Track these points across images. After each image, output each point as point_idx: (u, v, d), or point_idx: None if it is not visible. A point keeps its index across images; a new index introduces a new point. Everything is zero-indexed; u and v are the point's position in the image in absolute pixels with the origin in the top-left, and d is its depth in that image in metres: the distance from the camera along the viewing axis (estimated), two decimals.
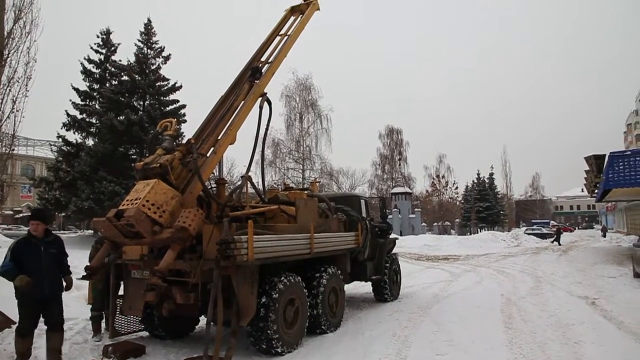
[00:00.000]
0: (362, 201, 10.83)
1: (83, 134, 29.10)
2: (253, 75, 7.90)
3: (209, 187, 6.72)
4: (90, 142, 28.93)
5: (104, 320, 7.26)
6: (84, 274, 5.98)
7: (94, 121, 29.21)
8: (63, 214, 30.86)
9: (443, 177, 66.41)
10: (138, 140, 26.18)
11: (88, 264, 6.09)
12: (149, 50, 29.53)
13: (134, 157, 27.07)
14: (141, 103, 28.54)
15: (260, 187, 8.51)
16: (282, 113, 45.00)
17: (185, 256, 6.09)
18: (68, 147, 28.50)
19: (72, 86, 29.57)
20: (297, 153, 46.21)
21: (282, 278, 6.56)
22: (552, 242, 34.01)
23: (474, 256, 25.01)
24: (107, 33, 31.15)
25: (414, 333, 7.43)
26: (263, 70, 8.04)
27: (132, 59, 29.23)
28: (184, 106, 29.78)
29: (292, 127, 46.52)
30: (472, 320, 8.35)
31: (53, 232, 6.02)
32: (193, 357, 5.72)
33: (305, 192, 9.51)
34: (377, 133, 63.21)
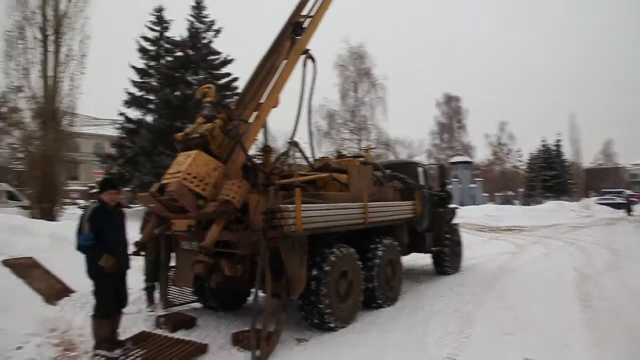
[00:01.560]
0: (420, 169, 10.17)
1: (143, 111, 29.92)
2: (294, 32, 7.37)
3: (254, 155, 6.37)
4: (149, 118, 29.74)
5: (157, 290, 7.24)
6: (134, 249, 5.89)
7: (151, 97, 29.90)
8: (128, 189, 32.30)
9: (505, 145, 63.12)
10: (193, 114, 26.50)
11: (137, 239, 5.99)
12: (200, 25, 29.58)
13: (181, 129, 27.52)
14: (195, 77, 28.77)
15: (309, 154, 8.08)
16: (336, 83, 44.25)
17: (231, 227, 5.82)
18: (129, 124, 29.46)
19: (130, 65, 30.32)
20: (353, 123, 45.46)
21: (334, 249, 6.17)
22: (628, 212, 31.48)
23: (541, 227, 23.52)
24: (160, 10, 31.48)
25: (478, 309, 6.83)
26: (304, 25, 7.48)
27: (185, 34, 29.45)
28: (236, 79, 29.73)
29: (347, 97, 45.66)
30: (543, 296, 7.60)
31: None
32: (241, 331, 5.49)
33: (359, 159, 8.99)
34: (434, 101, 60.75)
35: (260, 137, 7.53)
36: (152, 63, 31.14)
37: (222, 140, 5.92)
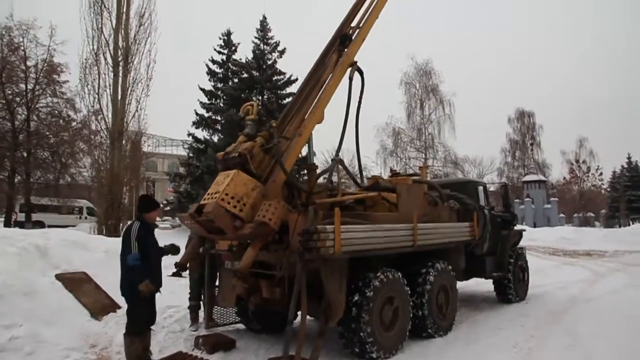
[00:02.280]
0: (480, 187, 9.52)
1: (210, 131, 31.15)
2: (342, 44, 7.18)
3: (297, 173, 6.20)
4: (215, 138, 30.87)
5: (201, 310, 7.20)
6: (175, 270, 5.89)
7: (218, 118, 31.08)
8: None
9: (584, 162, 58.71)
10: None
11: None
12: (265, 46, 30.45)
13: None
14: (259, 98, 29.56)
15: (358, 171, 7.79)
16: (402, 101, 43.78)
17: (270, 248, 5.66)
18: (197, 144, 30.73)
19: (199, 87, 31.77)
20: (419, 142, 44.57)
21: (379, 274, 5.78)
22: None
23: (625, 252, 21.30)
24: (228, 34, 32.82)
25: (541, 346, 6.11)
26: (353, 37, 7.25)
27: (250, 55, 30.45)
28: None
29: (413, 114, 44.89)
30: (622, 335, 6.66)
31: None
32: (277, 357, 5.23)
33: (413, 177, 8.54)
34: (506, 117, 58.00)
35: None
36: (220, 85, 32.47)
37: (262, 159, 5.80)
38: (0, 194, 22.34)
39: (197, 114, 30.82)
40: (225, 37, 32.80)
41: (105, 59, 12.99)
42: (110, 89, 13.29)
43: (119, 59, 13.19)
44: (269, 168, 5.82)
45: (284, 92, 30.11)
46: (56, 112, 21.77)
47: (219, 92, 31.98)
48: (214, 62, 32.39)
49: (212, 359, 5.63)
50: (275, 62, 30.20)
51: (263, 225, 5.17)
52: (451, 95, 43.51)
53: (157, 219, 5.51)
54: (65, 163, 21.22)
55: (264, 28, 30.42)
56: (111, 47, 13.31)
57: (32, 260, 6.81)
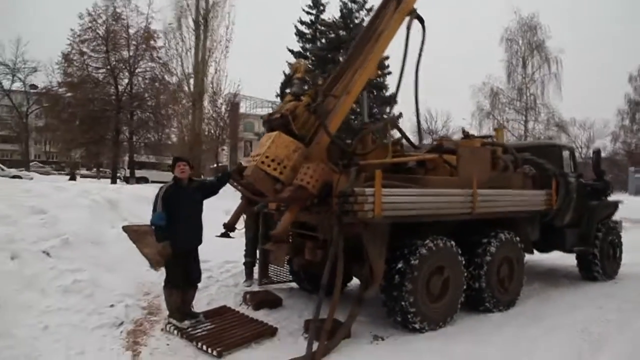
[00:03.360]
0: (566, 152, 8.45)
1: None
2: None
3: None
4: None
5: (257, 266, 7.36)
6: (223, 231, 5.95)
7: (306, 79, 31.14)
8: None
9: None
10: None
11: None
12: (352, 4, 29.57)
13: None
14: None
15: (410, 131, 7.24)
16: (502, 59, 40.25)
17: (312, 209, 5.51)
18: None
19: (287, 48, 31.95)
20: (519, 102, 41.10)
21: (427, 241, 5.40)
22: None
23: None
24: None
25: (617, 332, 5.37)
26: None
27: (338, 14, 29.83)
28: (387, 57, 29.13)
29: (514, 73, 41.12)
30: None
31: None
32: (314, 319, 5.14)
33: (486, 139, 7.78)
34: (626, 75, 50.96)
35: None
36: (308, 46, 32.35)
37: (306, 119, 5.55)
38: (107, 153, 24.68)
39: (285, 75, 31.21)
40: None
41: (187, 22, 13.43)
42: (192, 51, 13.75)
43: (200, 22, 13.52)
44: (314, 128, 5.56)
45: None
46: (154, 75, 23.31)
47: (307, 53, 31.95)
48: (302, 22, 32.22)
49: (256, 315, 5.70)
50: (362, 20, 29.25)
51: (301, 189, 5.02)
52: (558, 52, 39.05)
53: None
54: (163, 123, 22.76)
55: None
56: (193, 11, 13.66)
57: (102, 213, 7.43)
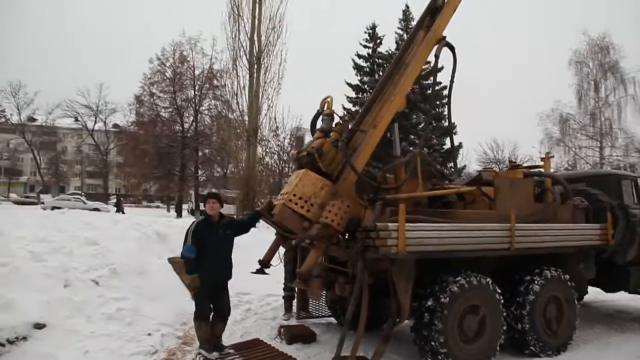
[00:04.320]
0: (627, 182, 7.83)
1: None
2: (432, 18, 6.46)
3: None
4: None
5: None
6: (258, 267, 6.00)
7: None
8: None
9: None
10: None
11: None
12: (407, 36, 29.82)
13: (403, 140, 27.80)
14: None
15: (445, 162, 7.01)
16: (571, 84, 38.36)
17: (342, 244, 5.50)
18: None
19: (345, 82, 32.57)
20: (593, 128, 38.72)
21: (459, 278, 5.19)
22: None
23: None
24: (373, 27, 32.91)
25: None
26: (442, 9, 6.37)
27: (394, 47, 30.10)
28: (445, 87, 28.84)
29: (586, 97, 38.98)
30: None
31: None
32: (343, 356, 5.04)
33: (530, 170, 7.43)
34: None
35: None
36: (366, 79, 32.80)
37: (333, 156, 5.55)
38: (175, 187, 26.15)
39: (344, 108, 31.67)
40: (371, 31, 32.95)
41: (242, 61, 14.24)
42: (246, 89, 14.48)
43: (254, 61, 14.27)
44: (341, 165, 5.55)
45: (428, 81, 29.09)
46: (217, 112, 24.68)
47: (365, 86, 32.35)
48: (359, 56, 32.83)
49: (288, 349, 5.70)
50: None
51: (326, 227, 5.02)
52: (636, 71, 36.53)
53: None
54: (225, 158, 23.84)
55: (406, 18, 29.79)
56: (247, 51, 14.44)
57: (151, 245, 7.86)
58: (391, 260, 4.90)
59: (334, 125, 5.92)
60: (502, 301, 5.52)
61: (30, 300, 5.41)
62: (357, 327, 4.94)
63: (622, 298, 8.68)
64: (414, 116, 27.61)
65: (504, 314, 5.54)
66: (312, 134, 6.23)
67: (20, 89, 42.22)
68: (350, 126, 5.84)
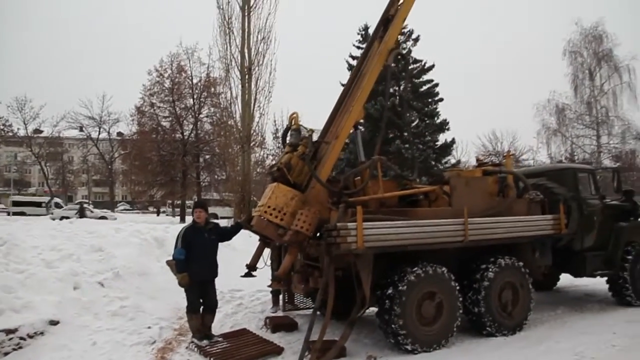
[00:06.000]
0: (583, 175, 8.49)
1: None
2: (385, 29, 6.97)
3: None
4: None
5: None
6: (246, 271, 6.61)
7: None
8: None
9: None
10: (391, 125, 27.40)
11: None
12: (399, 36, 30.35)
13: (391, 141, 28.48)
14: (395, 88, 29.64)
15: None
16: (566, 73, 38.70)
17: (313, 243, 6.22)
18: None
19: (340, 83, 33.24)
20: (589, 117, 39.07)
21: (416, 268, 5.91)
22: None
23: None
24: (366, 29, 33.41)
25: (612, 358, 5.48)
26: (393, 19, 6.89)
27: None
28: (437, 85, 29.50)
29: (581, 87, 39.31)
30: None
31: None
32: (313, 340, 5.76)
33: (490, 167, 8.09)
34: None
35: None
36: None
37: (301, 169, 6.26)
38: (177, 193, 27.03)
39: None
40: (363, 32, 33.54)
41: (234, 72, 15.04)
42: (239, 98, 15.29)
43: (245, 72, 15.05)
44: (309, 175, 6.22)
45: (420, 80, 29.71)
46: (215, 120, 25.50)
47: None
48: (353, 57, 33.50)
49: (272, 337, 6.45)
50: (409, 51, 29.92)
51: (297, 234, 5.76)
52: (630, 59, 36.83)
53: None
54: (224, 164, 24.66)
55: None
56: (238, 63, 15.24)
57: (150, 249, 8.68)
58: (355, 255, 5.63)
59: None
60: (458, 288, 6.23)
61: (45, 301, 6.22)
62: (335, 314, 5.68)
63: (595, 282, 9.27)
64: (407, 114, 28.23)
65: (460, 299, 6.24)
66: (283, 147, 6.94)
67: (26, 104, 43.47)
68: (315, 139, 6.55)
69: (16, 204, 39.76)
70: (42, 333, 5.76)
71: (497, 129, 56.19)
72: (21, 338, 5.52)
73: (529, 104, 37.80)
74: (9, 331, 5.48)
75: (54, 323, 5.98)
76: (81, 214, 26.30)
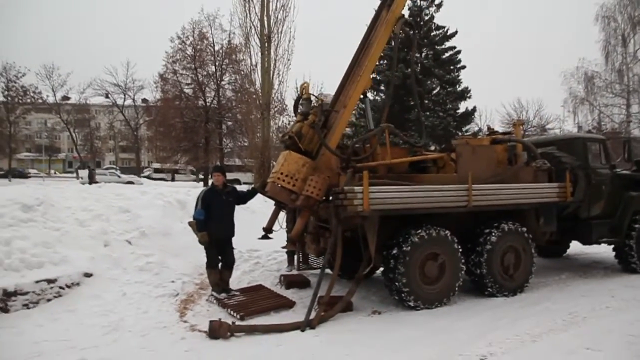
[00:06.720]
0: (592, 144, 8.58)
1: (373, 92, 32.21)
2: None
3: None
4: (379, 98, 31.85)
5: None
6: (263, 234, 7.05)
7: (379, 79, 31.86)
8: None
9: None
10: (410, 93, 27.22)
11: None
12: (422, 2, 29.69)
13: (411, 109, 28.38)
14: (417, 56, 29.23)
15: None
16: (598, 40, 37.28)
17: (324, 205, 6.61)
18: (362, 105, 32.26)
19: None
20: (620, 85, 37.82)
21: (419, 231, 6.26)
22: None
23: None
24: None
25: (600, 317, 5.79)
26: None
27: (407, 13, 30.11)
28: (459, 52, 28.98)
29: (613, 54, 37.84)
30: None
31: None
32: (321, 295, 6.21)
33: (499, 136, 8.22)
34: None
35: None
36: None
37: (312, 136, 6.56)
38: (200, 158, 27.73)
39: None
40: None
41: (253, 40, 15.24)
42: (258, 66, 15.53)
43: (265, 39, 15.22)
44: (319, 143, 6.52)
45: (442, 47, 29.21)
46: (237, 87, 25.80)
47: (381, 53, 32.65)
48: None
49: (285, 293, 6.95)
50: (432, 17, 29.30)
51: (308, 199, 6.15)
52: None
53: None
54: (245, 130, 25.11)
55: None
56: (258, 30, 15.40)
57: (173, 211, 9.24)
58: (362, 217, 6.00)
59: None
60: (461, 250, 6.57)
61: (80, 256, 6.84)
62: (345, 273, 6.04)
63: (604, 250, 9.43)
64: (428, 82, 27.95)
65: (463, 261, 6.59)
66: (295, 116, 7.26)
67: (54, 71, 44.53)
68: (326, 107, 6.83)
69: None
70: (78, 284, 6.38)
71: (523, 97, 54.92)
72: (60, 287, 6.15)
73: (557, 72, 36.61)
74: (49, 281, 6.12)
75: (88, 275, 6.60)
76: (91, 179, 27.29)
